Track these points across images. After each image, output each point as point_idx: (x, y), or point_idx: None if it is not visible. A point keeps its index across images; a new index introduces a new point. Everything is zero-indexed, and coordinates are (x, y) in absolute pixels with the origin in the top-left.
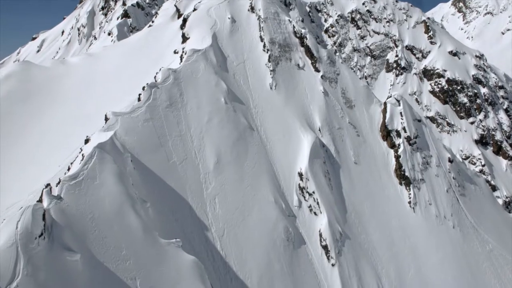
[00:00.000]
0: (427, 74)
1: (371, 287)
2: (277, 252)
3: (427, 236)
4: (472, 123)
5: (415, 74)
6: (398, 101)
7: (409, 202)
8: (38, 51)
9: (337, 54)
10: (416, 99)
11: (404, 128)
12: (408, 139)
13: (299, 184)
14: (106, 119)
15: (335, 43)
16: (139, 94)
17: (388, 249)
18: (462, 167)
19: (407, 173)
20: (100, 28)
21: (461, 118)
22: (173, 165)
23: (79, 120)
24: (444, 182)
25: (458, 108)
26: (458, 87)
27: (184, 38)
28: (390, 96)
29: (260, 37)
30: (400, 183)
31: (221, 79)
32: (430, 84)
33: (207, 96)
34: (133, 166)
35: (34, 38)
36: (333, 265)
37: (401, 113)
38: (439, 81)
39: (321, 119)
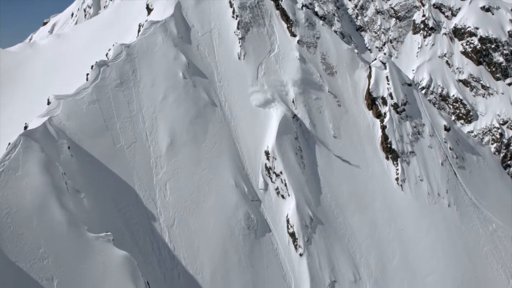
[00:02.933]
0: (458, 33)
1: (346, 279)
2: (235, 242)
3: (417, 217)
4: (509, 84)
5: (445, 34)
6: (384, 63)
7: (397, 179)
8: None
9: (359, 17)
10: (447, 62)
11: (390, 94)
12: (395, 106)
13: (265, 164)
14: (49, 103)
15: (356, 6)
16: (87, 74)
17: (369, 234)
18: (462, 135)
19: (394, 146)
20: (105, 8)
21: (497, 79)
22: (120, 149)
23: (40, 108)
24: (438, 154)
25: (494, 69)
26: (493, 46)
27: (149, 10)
28: (376, 59)
29: (230, 2)
30: (387, 158)
31: (181, 52)
32: (462, 44)
33: (164, 72)
34: (70, 154)
35: (45, 23)
36: (301, 255)
37: (387, 77)
38: (471, 40)
39: (295, 90)
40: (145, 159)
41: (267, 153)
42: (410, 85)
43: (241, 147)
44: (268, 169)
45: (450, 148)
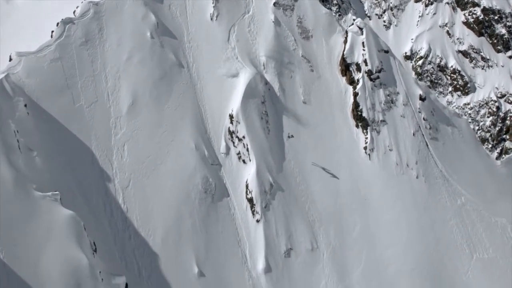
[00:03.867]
0: (461, 3)
1: (303, 247)
2: (191, 206)
3: (382, 188)
4: (510, 57)
5: (447, 3)
6: (361, 28)
7: (365, 148)
8: None
9: None
10: (448, 32)
11: (365, 61)
12: (369, 73)
13: (228, 128)
14: (10, 59)
15: None
16: (52, 32)
17: (331, 203)
18: (439, 105)
19: (364, 114)
20: None
21: (498, 51)
22: (79, 108)
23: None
24: (411, 124)
25: (495, 41)
26: (496, 17)
27: None
28: (353, 24)
29: None
30: (357, 126)
31: (150, 12)
32: (464, 14)
33: (131, 31)
34: (26, 111)
35: None
36: (257, 221)
37: (363, 43)
38: (474, 10)
39: (267, 53)
40: (104, 119)
41: (231, 117)
42: (387, 52)
43: (205, 110)
44: (231, 133)
45: (424, 118)
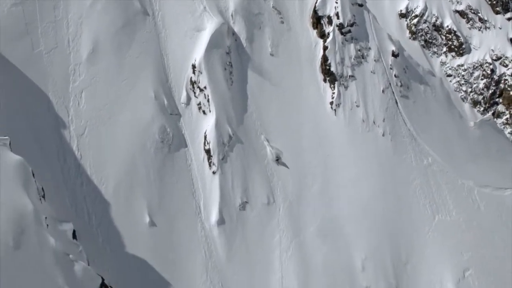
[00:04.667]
0: None
1: (259, 201)
2: (146, 155)
3: (346, 145)
4: (509, 19)
5: None
6: None
7: (331, 103)
8: None
9: None
10: None
11: (337, 14)
12: (340, 27)
13: (190, 78)
14: None
15: None
16: None
17: (292, 158)
18: (412, 62)
19: (333, 68)
20: None
21: (497, 13)
22: (38, 54)
23: None
24: (381, 81)
25: (494, 2)
26: None
27: None
28: None
29: None
30: (324, 80)
31: None
32: None
33: None
34: None
35: None
36: (214, 172)
37: None
38: None
39: (235, 2)
40: (63, 66)
41: (193, 67)
42: (361, 5)
43: (168, 59)
44: (192, 83)
45: (395, 75)
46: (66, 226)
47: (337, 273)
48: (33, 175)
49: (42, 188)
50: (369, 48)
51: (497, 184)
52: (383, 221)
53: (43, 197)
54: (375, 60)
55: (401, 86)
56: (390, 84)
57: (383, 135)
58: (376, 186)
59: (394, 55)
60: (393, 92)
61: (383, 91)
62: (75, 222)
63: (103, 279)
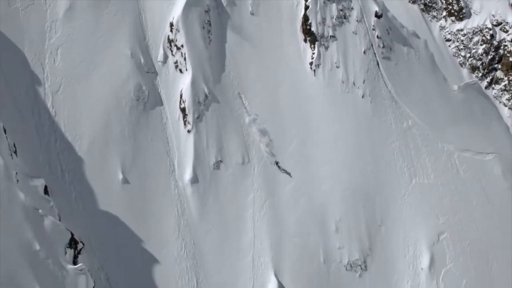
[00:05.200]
0: None
1: (234, 160)
2: (121, 113)
3: (325, 105)
4: None
5: None
6: None
7: (311, 63)
8: None
9: None
10: None
11: None
12: None
13: (168, 36)
14: None
15: None
16: None
17: (268, 118)
18: (396, 24)
19: (313, 28)
20: None
21: None
22: (14, 11)
23: None
24: (362, 42)
25: None
26: None
27: None
28: None
29: None
30: (305, 40)
31: None
32: None
33: None
34: None
35: None
36: (188, 131)
37: None
38: None
39: None
40: (40, 23)
41: (171, 25)
42: None
43: (146, 17)
44: (170, 41)
45: (377, 36)
46: (37, 181)
47: (310, 233)
48: (5, 130)
49: (14, 144)
50: (352, 8)
51: (479, 148)
52: (359, 182)
53: (15, 152)
54: (357, 21)
55: (383, 47)
56: (372, 45)
57: (362, 96)
58: (353, 148)
59: (377, 15)
60: (374, 54)
61: (364, 52)
62: (48, 178)
63: (72, 234)
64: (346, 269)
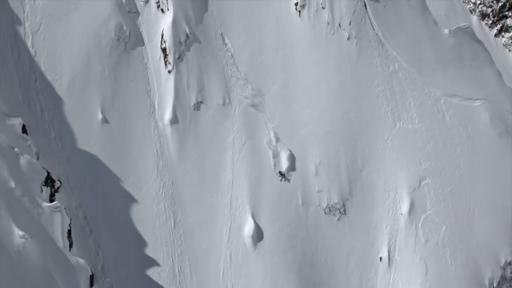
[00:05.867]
0: None
1: (215, 101)
2: (101, 52)
3: (309, 47)
4: None
5: None
6: None
7: (296, 4)
8: None
9: None
10: None
11: None
12: None
13: None
14: None
15: None
16: None
17: (251, 59)
18: None
19: None
20: None
21: None
22: None
23: None
24: None
25: None
26: None
27: None
28: None
29: None
30: None
31: None
32: None
33: None
34: None
35: None
36: (169, 71)
37: None
38: None
39: None
40: None
41: None
42: None
43: None
44: None
45: None
46: (14, 120)
47: (289, 176)
48: None
49: None
50: None
51: (467, 94)
52: (341, 126)
53: None
54: None
55: None
56: None
57: (348, 38)
58: (336, 90)
59: None
60: None
61: None
62: (27, 117)
63: (48, 173)
64: (325, 213)
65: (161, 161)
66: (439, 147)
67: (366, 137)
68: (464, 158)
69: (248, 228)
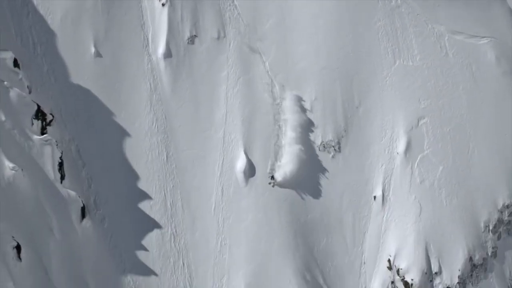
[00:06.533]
0: None
1: (209, 35)
2: None
3: None
4: None
5: None
6: None
7: None
8: None
9: None
10: None
11: None
12: None
13: None
14: None
15: None
16: None
17: None
18: None
19: None
20: None
21: None
22: None
23: None
24: None
25: None
26: None
27: None
28: None
29: None
30: None
31: None
32: None
33: None
34: None
35: None
36: (163, 4)
37: None
38: None
39: None
40: None
41: None
42: None
43: None
44: None
45: None
46: (5, 54)
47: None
48: None
49: None
50: None
51: (472, 31)
52: (338, 61)
53: None
54: None
55: None
56: None
57: None
58: (334, 26)
59: None
60: None
61: None
62: (20, 51)
63: (39, 106)
64: (319, 150)
65: (154, 95)
66: (440, 85)
67: (364, 74)
68: (466, 97)
69: (240, 163)
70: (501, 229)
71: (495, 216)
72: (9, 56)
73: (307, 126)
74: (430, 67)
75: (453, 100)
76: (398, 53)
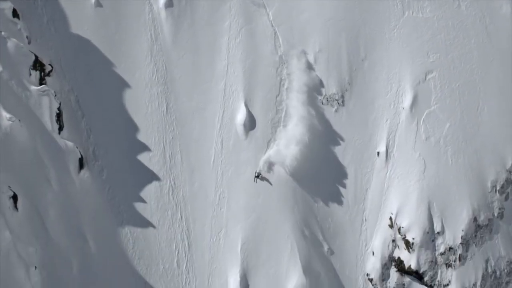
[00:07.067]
0: None
1: None
2: None
3: None
4: None
5: None
6: None
7: None
8: None
9: None
10: None
11: None
12: None
13: None
14: None
15: None
16: None
17: None
18: None
19: None
20: None
21: None
22: None
23: None
24: None
25: None
26: None
27: None
28: None
29: None
30: None
31: None
32: None
33: None
34: None
35: None
36: None
37: None
38: None
39: None
40: None
41: None
42: None
43: None
44: None
45: None
46: (4, 4)
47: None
48: None
49: None
50: None
51: None
52: (344, 11)
53: None
54: None
55: None
56: None
57: None
58: None
59: None
60: None
61: None
62: (20, 2)
63: (37, 57)
64: (322, 103)
65: (155, 46)
66: (450, 38)
67: (371, 25)
68: (477, 52)
69: (241, 115)
70: (509, 190)
71: (503, 176)
72: (7, 6)
73: (314, 87)
74: (441, 19)
75: (464, 54)
76: (407, 4)
